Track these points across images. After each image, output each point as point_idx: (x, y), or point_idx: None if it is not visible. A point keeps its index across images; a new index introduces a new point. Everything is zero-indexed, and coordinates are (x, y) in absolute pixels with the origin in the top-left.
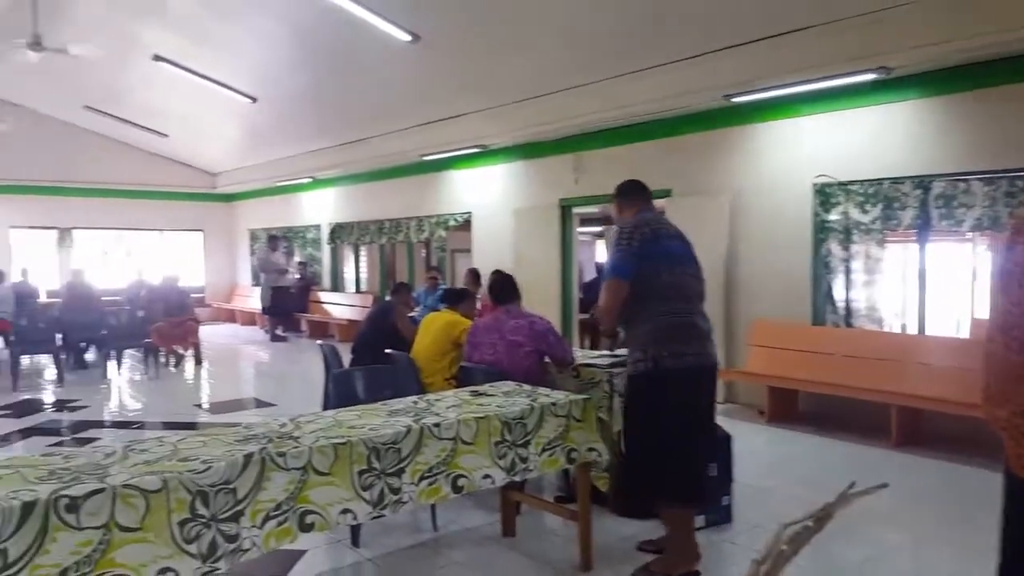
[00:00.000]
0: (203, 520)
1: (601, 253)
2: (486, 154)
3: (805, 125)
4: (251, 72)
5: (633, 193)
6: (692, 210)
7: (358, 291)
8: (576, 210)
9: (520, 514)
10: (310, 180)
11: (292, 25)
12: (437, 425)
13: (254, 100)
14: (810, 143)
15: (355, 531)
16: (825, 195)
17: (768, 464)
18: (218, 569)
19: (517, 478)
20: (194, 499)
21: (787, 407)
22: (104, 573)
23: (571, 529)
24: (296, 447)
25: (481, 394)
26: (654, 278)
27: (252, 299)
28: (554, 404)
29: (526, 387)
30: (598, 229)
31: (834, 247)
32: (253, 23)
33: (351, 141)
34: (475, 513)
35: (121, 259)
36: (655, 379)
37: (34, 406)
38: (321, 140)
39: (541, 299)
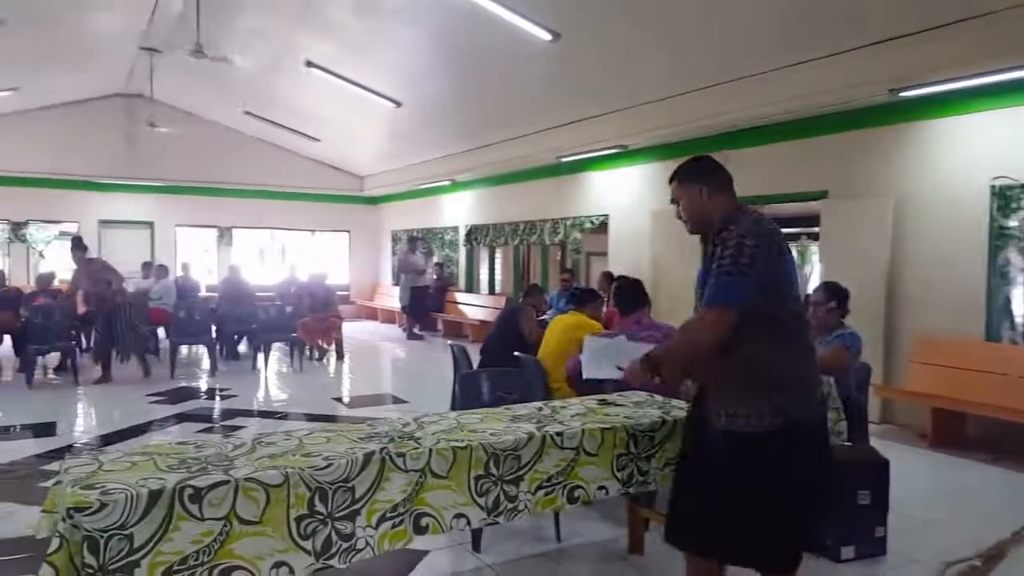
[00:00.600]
0: (320, 517)
1: None
2: (625, 155)
3: (980, 121)
4: (396, 77)
5: (719, 175)
6: (850, 214)
7: (492, 292)
8: None
9: (648, 531)
10: (449, 183)
11: (435, 29)
12: (560, 434)
13: (399, 104)
14: (986, 141)
15: (476, 536)
16: (1005, 198)
17: (930, 493)
18: (331, 566)
19: (632, 490)
20: (313, 495)
21: (954, 431)
22: (221, 563)
23: None
24: (416, 448)
25: (610, 403)
26: (779, 307)
27: (393, 298)
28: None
29: (658, 398)
30: None
31: (1013, 255)
32: (398, 28)
33: (489, 144)
34: (600, 526)
35: (276, 257)
36: (785, 434)
37: (188, 393)
38: (460, 143)
39: (678, 305)
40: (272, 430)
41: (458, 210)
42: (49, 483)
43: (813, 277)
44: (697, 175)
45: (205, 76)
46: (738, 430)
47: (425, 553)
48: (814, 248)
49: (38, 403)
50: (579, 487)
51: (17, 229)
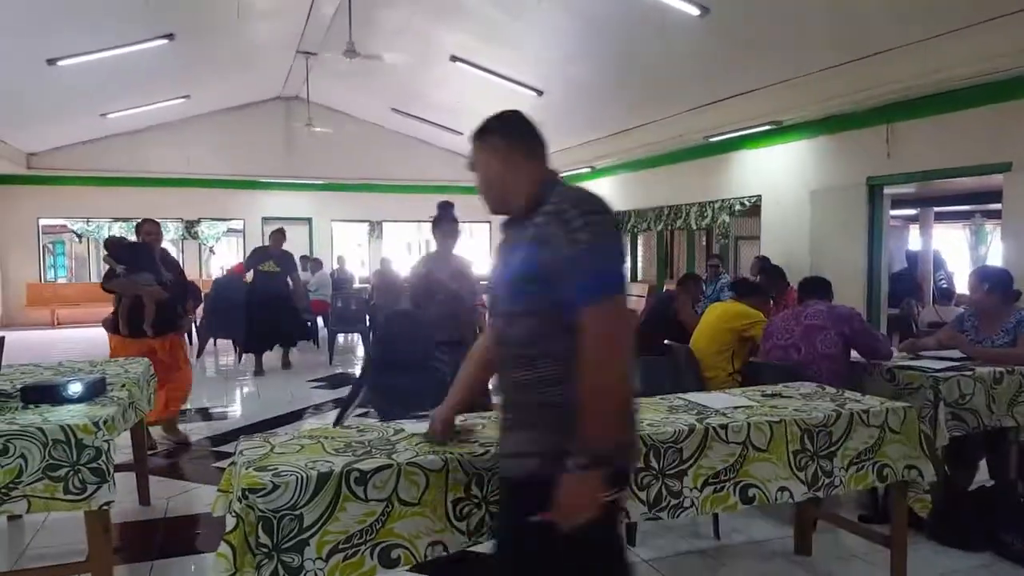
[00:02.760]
0: (475, 500)
1: (915, 239)
2: (779, 131)
3: None
4: (537, 66)
5: (537, 136)
6: None
7: (633, 280)
8: (887, 190)
9: (816, 531)
10: (589, 170)
11: (577, 14)
12: (724, 427)
13: (540, 93)
14: None
15: (631, 529)
16: None
17: None
18: (480, 544)
19: (820, 494)
20: (470, 481)
21: None
22: (383, 542)
23: (877, 553)
24: None
25: (775, 395)
26: None
27: None
28: (866, 412)
29: (829, 389)
30: (912, 212)
31: None
32: (540, 16)
33: (632, 127)
34: (762, 524)
35: (423, 249)
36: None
37: (347, 379)
38: (602, 129)
39: (842, 292)
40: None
41: None
42: (224, 464)
43: (990, 260)
44: (509, 134)
45: (356, 76)
46: (527, 474)
47: None
48: (990, 227)
49: (210, 388)
50: (753, 486)
51: (190, 227)
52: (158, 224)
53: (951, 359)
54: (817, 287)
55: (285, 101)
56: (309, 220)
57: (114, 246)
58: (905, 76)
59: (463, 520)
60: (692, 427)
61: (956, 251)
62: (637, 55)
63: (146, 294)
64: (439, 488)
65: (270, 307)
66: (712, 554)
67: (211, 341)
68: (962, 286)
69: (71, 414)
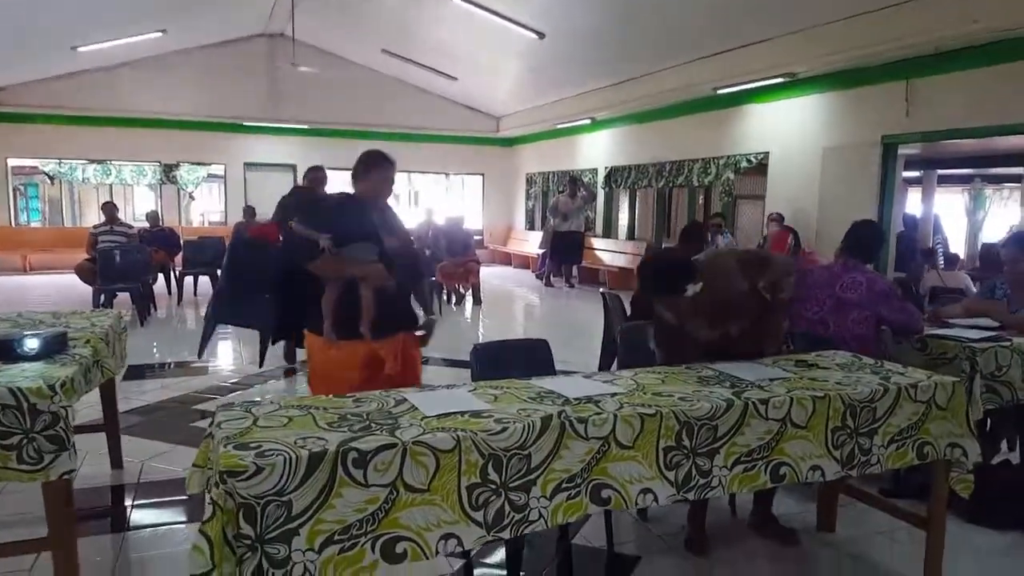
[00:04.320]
0: (493, 487)
1: (915, 201)
2: (792, 85)
3: None
4: (540, 6)
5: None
6: None
7: (631, 238)
8: (901, 150)
9: (841, 505)
10: (589, 121)
11: None
12: (764, 402)
13: (542, 36)
14: None
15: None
16: None
17: None
18: (501, 538)
19: (854, 472)
20: (487, 463)
21: None
22: (387, 533)
23: (904, 531)
24: (599, 413)
25: (811, 365)
26: None
27: (527, 242)
28: (913, 387)
29: (866, 360)
30: (915, 174)
31: None
32: None
33: (637, 76)
34: (783, 499)
35: (410, 200)
36: None
37: None
38: (604, 78)
39: None
40: (433, 384)
41: (597, 151)
42: (204, 424)
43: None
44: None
45: (345, 13)
46: None
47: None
48: (989, 192)
49: (190, 340)
50: (785, 464)
51: (169, 171)
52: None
53: (983, 328)
54: (865, 246)
55: (269, 38)
56: (294, 167)
57: (308, 203)
58: (925, 28)
59: (479, 510)
60: (730, 402)
61: (953, 216)
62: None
63: (369, 275)
64: (451, 471)
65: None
66: (731, 530)
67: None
68: (958, 251)
69: (25, 375)
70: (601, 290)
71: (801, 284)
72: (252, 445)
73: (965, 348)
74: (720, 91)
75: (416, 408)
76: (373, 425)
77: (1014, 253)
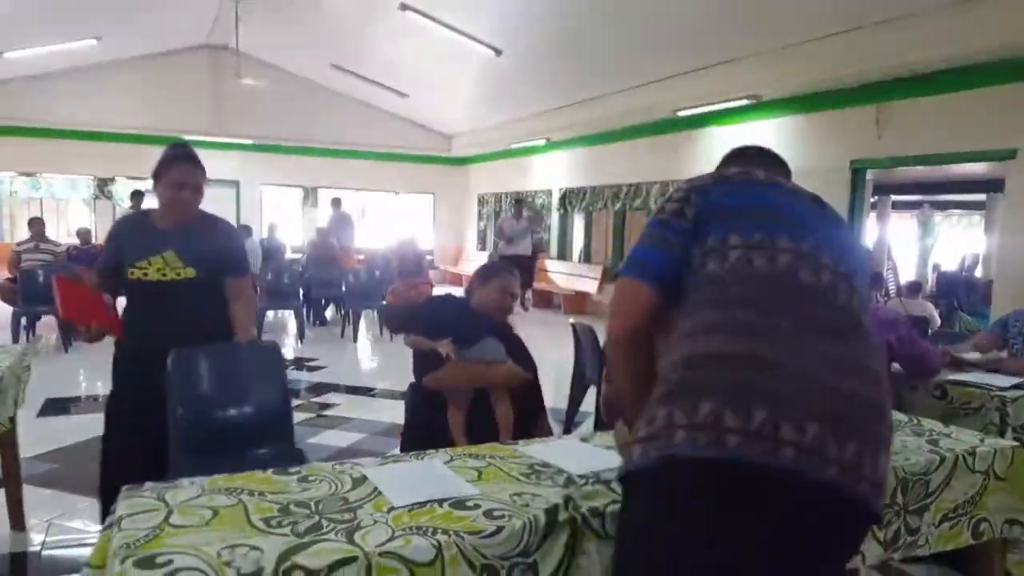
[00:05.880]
0: None
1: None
2: (757, 107)
3: None
4: (498, 22)
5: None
6: None
7: (587, 261)
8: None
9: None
10: (544, 142)
11: None
12: (971, 454)
13: (499, 53)
14: None
15: None
16: None
17: None
18: None
19: (897, 556)
20: None
21: None
22: None
23: None
24: (616, 501)
25: None
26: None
27: (479, 264)
28: (971, 453)
29: (900, 415)
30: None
31: None
32: None
33: (594, 97)
34: None
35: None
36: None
37: None
38: (561, 97)
39: None
40: (394, 453)
41: (552, 172)
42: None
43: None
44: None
45: (292, 25)
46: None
47: None
48: (938, 219)
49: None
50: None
51: (104, 186)
52: None
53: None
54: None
55: (212, 50)
56: (236, 183)
57: (431, 307)
58: (899, 51)
59: None
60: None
61: (903, 241)
62: (608, 15)
63: (508, 378)
64: None
65: None
66: None
67: None
68: (906, 279)
69: None
70: (571, 320)
71: None
72: (160, 560)
73: (994, 398)
74: (681, 113)
75: (380, 493)
76: (325, 522)
77: None
